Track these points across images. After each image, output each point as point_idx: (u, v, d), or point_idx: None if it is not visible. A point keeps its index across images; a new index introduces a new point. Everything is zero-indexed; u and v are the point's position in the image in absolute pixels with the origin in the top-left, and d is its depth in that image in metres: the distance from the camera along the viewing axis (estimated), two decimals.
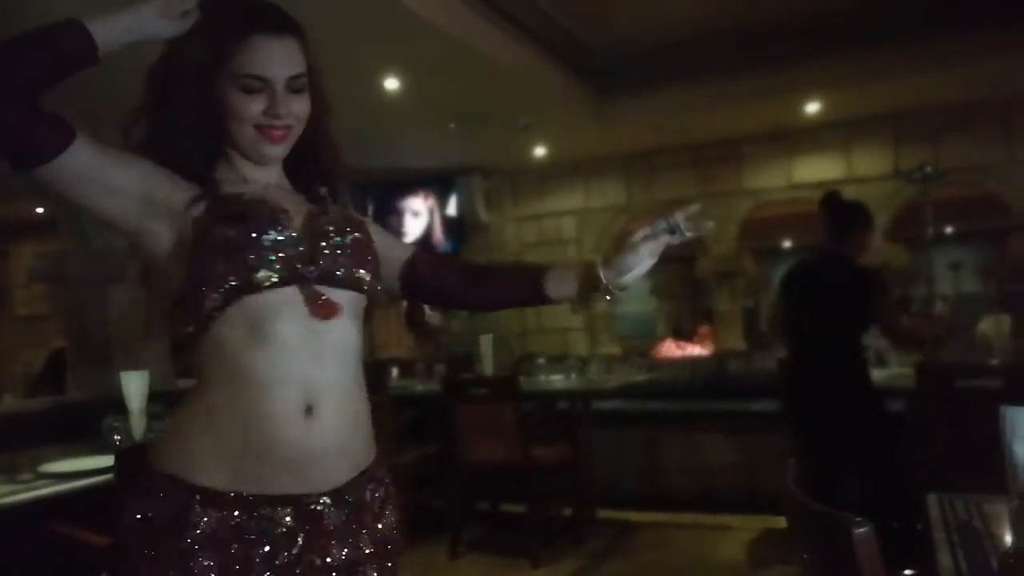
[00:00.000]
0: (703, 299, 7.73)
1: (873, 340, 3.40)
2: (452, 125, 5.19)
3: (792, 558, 1.34)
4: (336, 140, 1.28)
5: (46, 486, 2.26)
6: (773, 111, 5.51)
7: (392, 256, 1.31)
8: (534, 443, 3.87)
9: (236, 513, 1.05)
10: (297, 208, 1.16)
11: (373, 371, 5.14)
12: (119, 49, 1.06)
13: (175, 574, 1.03)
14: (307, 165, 1.25)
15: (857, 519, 1.05)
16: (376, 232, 1.31)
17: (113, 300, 4.19)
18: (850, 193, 5.72)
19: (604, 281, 1.24)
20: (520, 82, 4.62)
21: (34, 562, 2.12)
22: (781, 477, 1.39)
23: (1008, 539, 1.32)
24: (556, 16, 4.71)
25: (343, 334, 1.12)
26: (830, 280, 3.18)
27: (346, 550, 1.11)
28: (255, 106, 1.11)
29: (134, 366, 2.76)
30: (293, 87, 1.13)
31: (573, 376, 4.70)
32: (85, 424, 2.81)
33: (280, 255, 1.07)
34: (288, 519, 1.06)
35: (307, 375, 1.08)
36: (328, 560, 1.09)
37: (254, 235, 1.06)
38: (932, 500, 1.60)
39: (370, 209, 6.69)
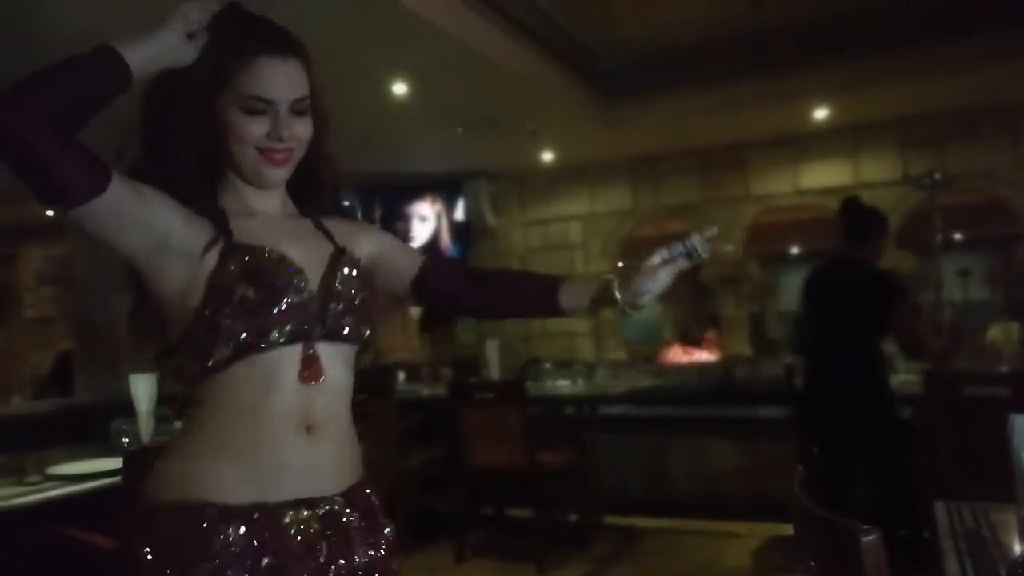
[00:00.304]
0: (709, 304, 7.72)
1: (885, 346, 3.39)
2: (459, 130, 5.20)
3: (798, 565, 1.34)
4: (337, 160, 1.27)
5: (54, 488, 2.27)
6: (780, 117, 5.51)
7: (402, 264, 1.31)
8: (540, 448, 3.87)
9: (257, 524, 1.04)
10: (311, 251, 1.15)
11: (379, 375, 5.15)
12: (143, 77, 1.05)
13: None
14: (309, 186, 1.24)
15: (864, 527, 1.05)
16: (386, 239, 1.31)
17: (120, 303, 4.20)
18: None
19: (620, 301, 1.23)
20: (527, 87, 4.62)
21: (41, 564, 2.13)
22: (788, 484, 1.39)
23: (1016, 548, 1.32)
24: (563, 21, 4.72)
25: (339, 380, 1.15)
26: (848, 284, 3.17)
27: (368, 551, 1.13)
28: (258, 128, 1.10)
29: (142, 369, 2.77)
30: (296, 109, 1.13)
31: (579, 381, 4.70)
32: (93, 426, 2.82)
33: (293, 317, 1.08)
34: (313, 522, 1.08)
35: (305, 408, 1.10)
36: (353, 561, 1.11)
37: (271, 299, 1.06)
38: (940, 508, 1.60)
39: (378, 213, 6.70)
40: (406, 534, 3.99)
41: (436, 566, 3.91)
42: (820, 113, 5.42)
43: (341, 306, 1.13)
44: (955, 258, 7.29)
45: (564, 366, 5.30)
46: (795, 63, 4.87)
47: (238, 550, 1.02)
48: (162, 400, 2.67)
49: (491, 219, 6.80)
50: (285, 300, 1.07)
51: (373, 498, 1.20)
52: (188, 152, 1.11)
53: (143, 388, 2.64)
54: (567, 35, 4.85)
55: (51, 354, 7.04)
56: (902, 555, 1.37)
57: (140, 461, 1.94)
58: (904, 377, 3.83)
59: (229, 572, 1.02)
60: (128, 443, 2.65)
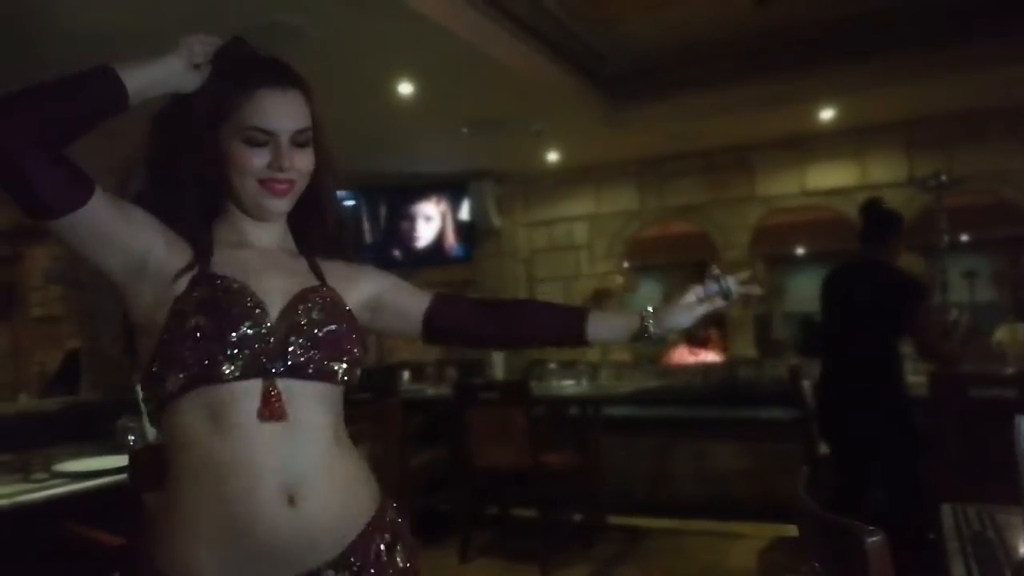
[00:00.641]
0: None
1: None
2: (465, 130, 5.21)
3: (803, 567, 1.34)
4: (338, 197, 1.27)
5: (60, 485, 2.29)
6: (786, 118, 5.50)
7: (409, 305, 1.28)
8: (544, 448, 3.87)
9: None
10: (287, 286, 1.13)
11: (383, 375, 5.16)
12: (142, 102, 1.06)
13: None
14: (310, 222, 1.23)
15: (869, 528, 1.05)
16: (389, 282, 1.29)
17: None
18: (863, 200, 5.74)
19: (653, 335, 1.26)
20: (532, 88, 4.63)
21: (47, 560, 2.14)
22: (792, 485, 1.39)
23: (1022, 550, 1.32)
24: (569, 22, 4.72)
25: (315, 421, 1.09)
26: (868, 285, 3.16)
27: None
28: (259, 160, 1.10)
29: None
30: (298, 141, 1.13)
31: (584, 382, 4.70)
32: (99, 425, 2.84)
33: (247, 351, 1.04)
34: None
35: (279, 465, 1.05)
36: None
37: (223, 329, 1.04)
38: (946, 510, 1.59)
39: (383, 212, 6.71)
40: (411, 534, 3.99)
41: (440, 565, 3.91)
42: (826, 114, 5.41)
43: (304, 340, 1.08)
44: (961, 260, 7.26)
45: (568, 367, 5.30)
46: (801, 64, 4.86)
47: None
48: None
49: (496, 220, 6.80)
50: (237, 332, 1.04)
51: (383, 539, 1.15)
52: (189, 183, 1.11)
53: None
54: (573, 36, 4.85)
55: (57, 353, 7.07)
56: (907, 557, 1.36)
57: (145, 459, 1.95)
58: (911, 378, 3.81)
59: None
60: (134, 441, 2.67)
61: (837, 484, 3.13)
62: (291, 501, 1.04)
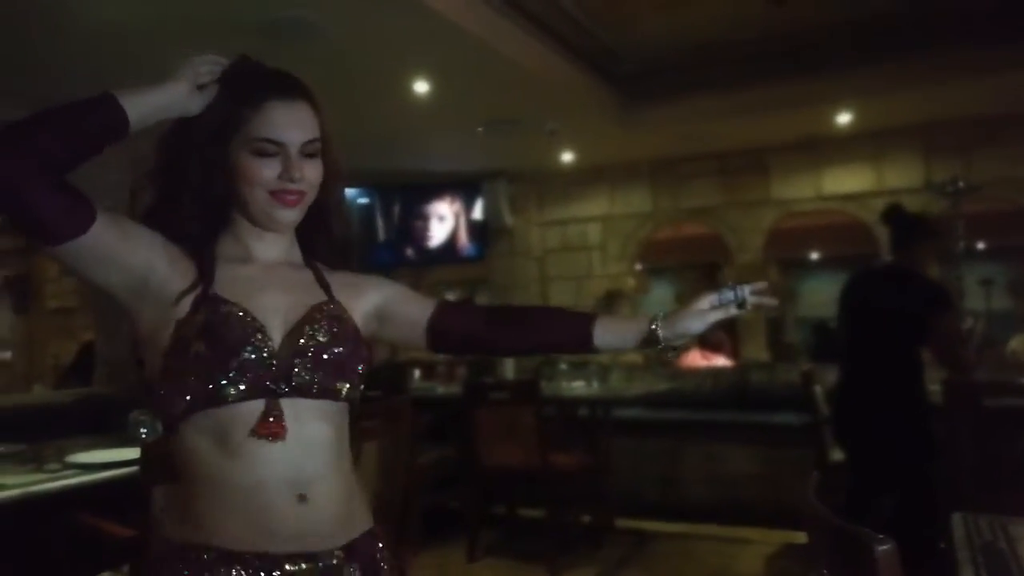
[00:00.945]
0: None
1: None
2: (480, 129, 5.21)
3: (812, 573, 1.33)
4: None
5: (73, 476, 2.30)
6: (802, 121, 5.47)
7: (414, 313, 1.28)
8: (553, 449, 3.87)
9: (258, 568, 1.05)
10: (292, 304, 1.14)
11: (394, 372, 5.17)
12: (145, 126, 1.07)
13: None
14: (318, 235, 1.24)
15: (880, 536, 1.04)
16: (394, 290, 1.29)
17: None
18: (879, 206, 5.68)
19: (663, 340, 1.22)
20: (548, 87, 4.62)
21: (59, 550, 2.15)
22: (803, 490, 1.38)
23: None
24: (585, 22, 4.71)
25: (318, 436, 1.11)
26: (889, 291, 3.12)
27: None
28: (269, 171, 1.11)
29: None
30: (307, 151, 1.13)
31: (594, 383, 4.70)
32: (112, 417, 2.85)
33: (248, 375, 1.06)
34: (314, 574, 1.07)
35: (289, 474, 1.07)
36: None
37: (223, 355, 1.05)
38: (957, 519, 1.58)
39: (397, 211, 6.73)
40: (418, 531, 4.00)
41: (447, 564, 3.92)
42: (843, 118, 5.38)
43: (308, 364, 1.10)
44: (977, 267, 7.20)
45: (579, 367, 5.30)
46: (819, 67, 4.84)
47: None
48: None
49: (509, 219, 6.80)
50: (239, 358, 1.05)
51: (378, 553, 1.18)
52: (197, 197, 1.12)
53: None
54: (589, 36, 4.84)
55: (71, 344, 7.14)
56: (917, 566, 1.35)
57: (155, 453, 1.96)
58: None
59: None
60: (145, 434, 2.67)
61: (849, 490, 3.11)
62: (301, 498, 1.07)
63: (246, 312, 1.08)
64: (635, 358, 6.66)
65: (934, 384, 3.14)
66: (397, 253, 6.65)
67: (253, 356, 1.06)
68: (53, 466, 2.36)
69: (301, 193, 1.14)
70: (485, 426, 3.97)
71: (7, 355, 8.50)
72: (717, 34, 4.85)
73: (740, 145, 6.05)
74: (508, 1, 3.95)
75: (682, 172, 6.49)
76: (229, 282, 1.11)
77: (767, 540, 4.09)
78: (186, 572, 1.05)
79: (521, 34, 4.12)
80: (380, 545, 1.19)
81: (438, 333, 1.26)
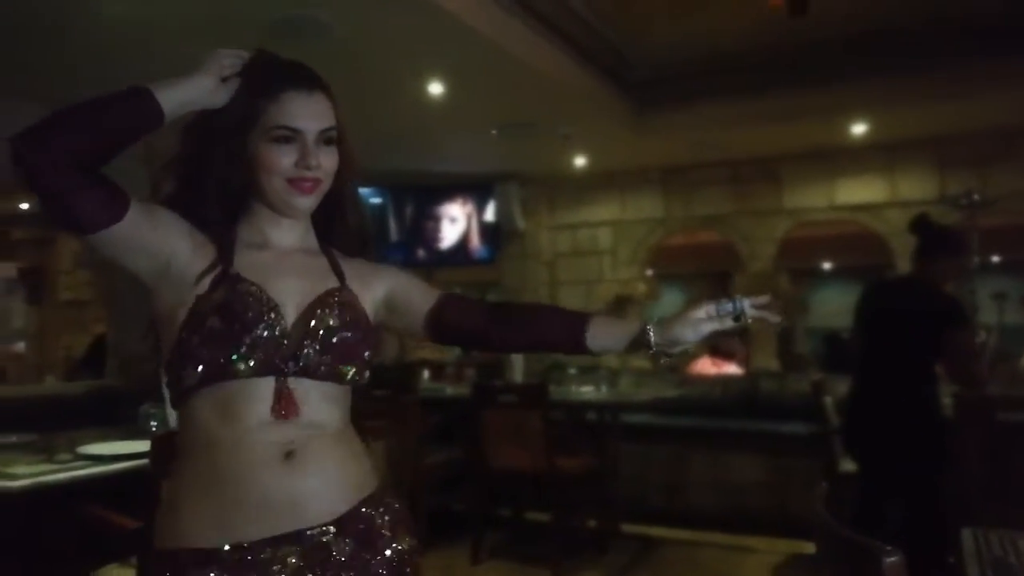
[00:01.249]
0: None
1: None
2: (493, 132, 5.22)
3: None
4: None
5: (83, 467, 2.32)
6: (816, 130, 5.46)
7: (417, 302, 1.30)
8: (560, 453, 3.86)
9: (237, 565, 1.06)
10: (306, 287, 1.17)
11: (403, 372, 5.18)
12: (174, 118, 1.10)
13: None
14: (333, 223, 1.26)
15: (887, 547, 1.04)
16: (402, 278, 1.31)
17: None
18: (893, 217, 5.68)
19: (654, 345, 1.21)
20: (562, 92, 4.63)
21: (69, 540, 2.17)
22: (810, 500, 1.37)
23: None
24: (600, 28, 4.71)
25: (319, 416, 1.14)
26: (905, 304, 3.08)
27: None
28: (286, 159, 1.14)
29: None
30: (323, 139, 1.16)
31: (603, 387, 4.68)
32: (122, 410, 2.87)
33: (260, 351, 1.09)
34: (293, 558, 1.08)
35: (280, 439, 1.10)
36: None
37: (238, 330, 1.08)
38: (967, 534, 1.57)
39: (409, 211, 6.75)
40: (423, 532, 4.01)
41: (452, 565, 3.92)
42: (858, 128, 5.36)
43: (317, 345, 1.13)
44: (991, 281, 7.16)
45: (588, 372, 5.29)
46: (834, 77, 4.82)
47: None
48: None
49: (521, 222, 6.81)
50: (252, 334, 1.08)
51: (385, 514, 1.18)
52: (217, 186, 1.15)
53: None
54: (604, 41, 4.84)
55: (84, 337, 7.19)
56: None
57: (165, 446, 1.98)
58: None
59: None
60: (155, 427, 2.70)
61: (859, 502, 3.09)
62: (287, 456, 1.09)
63: (263, 291, 1.12)
64: (644, 363, 6.65)
65: (946, 397, 3.12)
66: (409, 254, 6.67)
67: (266, 333, 1.09)
68: (64, 457, 2.38)
69: (317, 180, 1.17)
70: (493, 428, 3.98)
71: (20, 346, 8.57)
72: (732, 42, 4.85)
73: (753, 153, 6.03)
74: (523, 4, 3.96)
75: (694, 179, 6.49)
76: (247, 266, 1.15)
77: (773, 549, 4.07)
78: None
79: (536, 38, 4.12)
80: (382, 509, 1.18)
81: (438, 323, 1.28)
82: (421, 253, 6.74)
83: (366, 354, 1.19)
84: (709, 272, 8.99)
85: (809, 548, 1.37)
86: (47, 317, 8.58)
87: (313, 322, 1.13)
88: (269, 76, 1.15)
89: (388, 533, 1.17)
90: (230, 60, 1.14)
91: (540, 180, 6.83)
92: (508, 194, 6.69)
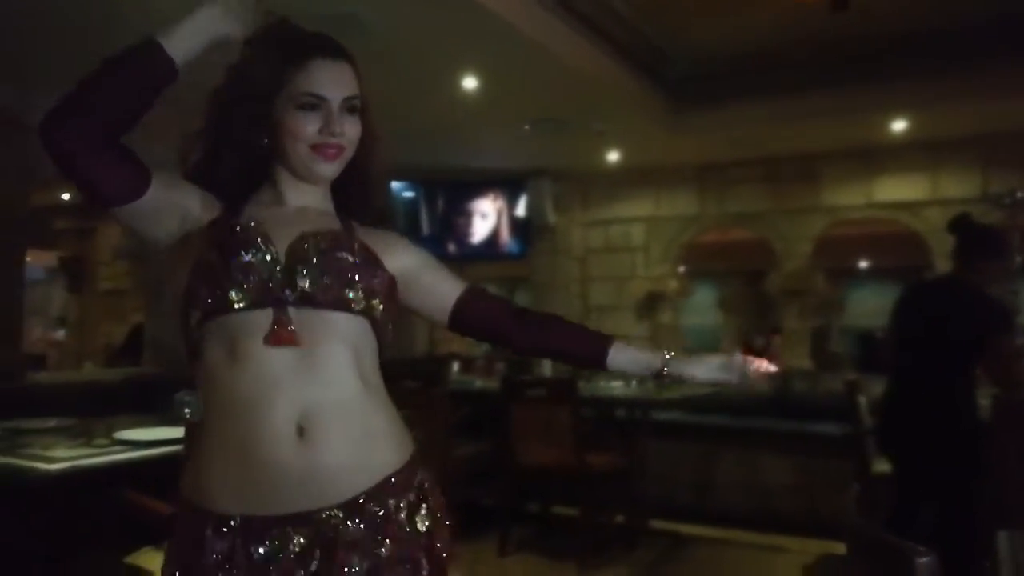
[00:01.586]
0: (771, 315, 7.57)
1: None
2: (526, 127, 5.21)
3: None
4: (381, 170, 1.30)
5: (120, 452, 2.37)
6: (855, 128, 5.37)
7: (442, 288, 1.30)
8: (589, 448, 3.86)
9: (245, 538, 1.06)
10: (304, 229, 1.17)
11: (433, 366, 5.21)
12: (196, 57, 1.11)
13: None
14: (353, 191, 1.27)
15: (921, 548, 1.02)
16: (426, 260, 1.31)
17: None
18: (932, 216, 5.57)
19: (667, 375, 1.32)
20: (597, 88, 4.61)
21: (105, 523, 2.22)
22: (842, 501, 1.36)
23: None
24: (637, 24, 4.68)
25: (334, 356, 1.11)
26: (945, 305, 3.02)
27: (367, 562, 1.09)
28: (311, 126, 1.15)
29: None
30: (348, 107, 1.18)
31: (633, 384, 4.66)
32: (158, 397, 2.92)
33: (252, 277, 1.08)
34: (301, 539, 1.07)
35: (294, 396, 1.08)
36: (347, 572, 1.08)
37: (227, 258, 1.09)
38: (1002, 538, 1.54)
39: (440, 206, 6.77)
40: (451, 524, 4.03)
41: (479, 559, 3.94)
42: (898, 126, 5.27)
43: (310, 269, 1.11)
44: None
45: None
46: (874, 75, 4.74)
47: (222, 559, 1.06)
48: None
49: (552, 217, 6.80)
50: (240, 259, 1.09)
51: (405, 496, 1.14)
52: (240, 151, 1.17)
53: None
54: (642, 38, 4.81)
55: (122, 326, 7.34)
56: None
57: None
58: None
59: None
60: (190, 414, 2.74)
61: (893, 503, 3.04)
62: (300, 432, 1.07)
63: (255, 226, 1.13)
64: None
65: (984, 399, 3.05)
66: (440, 248, 6.70)
67: (254, 260, 1.09)
68: (101, 441, 2.44)
69: (341, 147, 1.18)
70: (521, 422, 3.98)
71: (60, 334, 8.76)
72: (771, 39, 4.79)
73: (790, 151, 5.95)
74: (561, 1, 3.95)
75: (730, 176, 6.42)
76: (254, 216, 1.16)
77: (804, 550, 4.02)
78: (186, 530, 1.10)
79: (572, 34, 4.11)
80: (402, 492, 1.14)
81: (464, 315, 1.29)
82: (452, 247, 6.76)
83: (372, 280, 1.16)
84: (742, 270, 8.90)
85: (840, 548, 1.35)
86: (87, 305, 8.76)
87: (305, 245, 1.13)
88: (296, 44, 1.17)
89: (404, 517, 1.14)
90: None
91: (573, 175, 6.80)
92: (540, 189, 6.68)
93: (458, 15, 3.48)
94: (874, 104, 4.95)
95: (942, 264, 5.00)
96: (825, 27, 4.55)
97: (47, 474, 2.15)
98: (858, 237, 7.43)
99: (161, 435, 2.51)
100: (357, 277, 1.14)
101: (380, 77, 1.22)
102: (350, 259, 1.15)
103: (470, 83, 4.35)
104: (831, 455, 4.20)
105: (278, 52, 1.16)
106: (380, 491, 1.12)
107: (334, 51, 1.18)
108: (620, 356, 1.31)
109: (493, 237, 6.78)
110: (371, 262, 1.18)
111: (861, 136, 5.56)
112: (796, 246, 6.25)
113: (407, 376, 4.28)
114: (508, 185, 6.73)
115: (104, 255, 8.38)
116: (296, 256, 1.12)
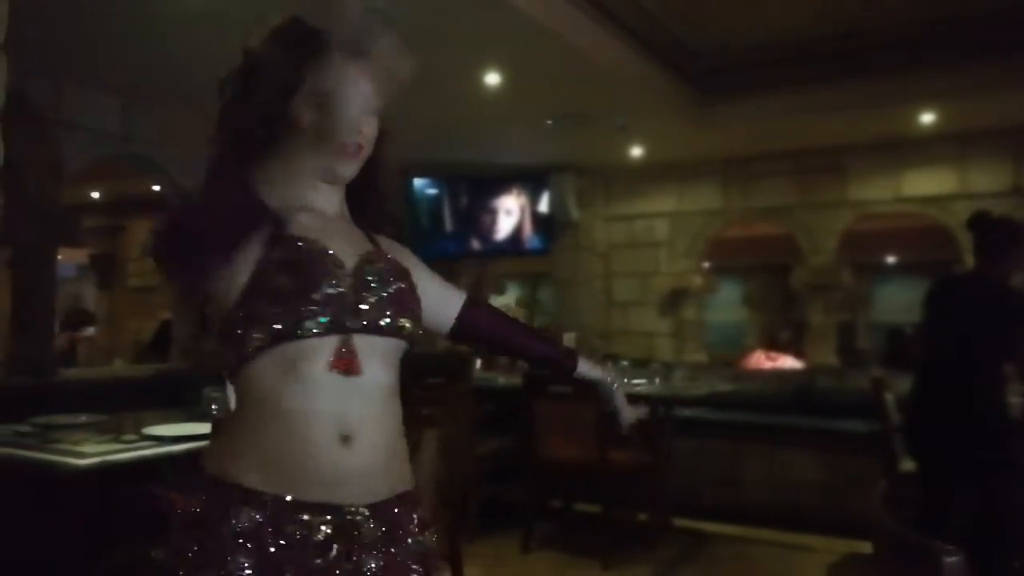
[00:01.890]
0: (796, 311, 7.51)
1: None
2: (549, 122, 5.20)
3: None
4: (390, 171, 1.31)
5: (149, 447, 2.40)
6: (883, 120, 5.30)
7: (444, 300, 1.36)
8: (612, 445, 3.85)
9: (274, 515, 1.07)
10: (352, 248, 1.18)
11: (456, 362, 5.22)
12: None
13: (212, 572, 1.06)
14: (366, 192, 1.27)
15: (948, 547, 1.01)
16: (425, 271, 1.33)
17: None
18: (961, 210, 5.48)
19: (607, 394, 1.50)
20: (620, 82, 4.58)
21: (133, 517, 2.25)
22: (868, 500, 1.34)
23: None
24: (660, 17, 4.65)
25: (377, 378, 1.14)
26: (972, 301, 2.98)
27: (376, 563, 1.11)
28: None
29: None
30: (367, 108, 1.17)
31: (656, 381, 4.65)
32: (186, 393, 2.96)
33: (329, 308, 1.09)
34: (325, 528, 1.08)
35: (340, 411, 1.09)
36: (359, 570, 1.09)
37: (307, 288, 1.08)
38: None
39: (464, 202, 6.78)
40: (474, 520, 4.04)
41: (501, 554, 3.95)
42: (927, 118, 5.19)
43: (375, 298, 1.13)
44: None
45: (642, 365, 5.25)
46: (902, 66, 4.67)
47: (248, 533, 1.06)
48: None
49: (575, 213, 6.77)
50: (320, 291, 1.08)
51: (414, 512, 1.18)
52: (260, 147, 1.14)
53: None
54: (665, 32, 4.78)
55: (151, 322, 7.43)
56: None
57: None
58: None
59: (237, 550, 1.05)
60: (217, 410, 2.77)
61: (922, 502, 3.00)
62: (345, 440, 1.09)
63: (326, 248, 1.13)
64: (700, 357, 6.57)
65: (1015, 396, 3.00)
66: (463, 244, 6.71)
67: (332, 291, 1.10)
68: (130, 437, 2.47)
69: (360, 147, 1.18)
70: (544, 419, 3.98)
71: (91, 331, 8.91)
72: (797, 31, 4.73)
73: (816, 144, 5.89)
74: None
75: (755, 170, 6.36)
76: (298, 227, 1.14)
77: (829, 548, 3.99)
78: (211, 501, 1.08)
79: (596, 28, 4.09)
80: (412, 507, 1.18)
81: (465, 326, 1.38)
82: (475, 243, 6.76)
83: (418, 308, 1.20)
84: (767, 265, 8.83)
85: (866, 547, 1.34)
86: (117, 302, 8.89)
87: (366, 275, 1.14)
88: (313, 44, 1.15)
89: (415, 530, 1.17)
90: None
91: (596, 170, 6.78)
92: (563, 185, 6.66)
93: (482, 10, 3.48)
94: (901, 96, 4.87)
95: (971, 259, 4.91)
96: (853, 17, 4.50)
97: (77, 469, 2.19)
98: (885, 231, 7.35)
99: (188, 430, 2.54)
100: (411, 307, 1.19)
101: None
102: (403, 287, 1.19)
103: (493, 78, 4.34)
104: (857, 452, 4.16)
105: (295, 51, 1.14)
106: (401, 502, 1.16)
107: (354, 48, 1.17)
108: (584, 365, 1.49)
109: (516, 233, 6.77)
110: (414, 288, 1.22)
111: (888, 129, 5.48)
112: (822, 240, 6.18)
113: (431, 373, 4.30)
114: (531, 181, 6.71)
115: (133, 252, 8.50)
116: (362, 286, 1.14)
